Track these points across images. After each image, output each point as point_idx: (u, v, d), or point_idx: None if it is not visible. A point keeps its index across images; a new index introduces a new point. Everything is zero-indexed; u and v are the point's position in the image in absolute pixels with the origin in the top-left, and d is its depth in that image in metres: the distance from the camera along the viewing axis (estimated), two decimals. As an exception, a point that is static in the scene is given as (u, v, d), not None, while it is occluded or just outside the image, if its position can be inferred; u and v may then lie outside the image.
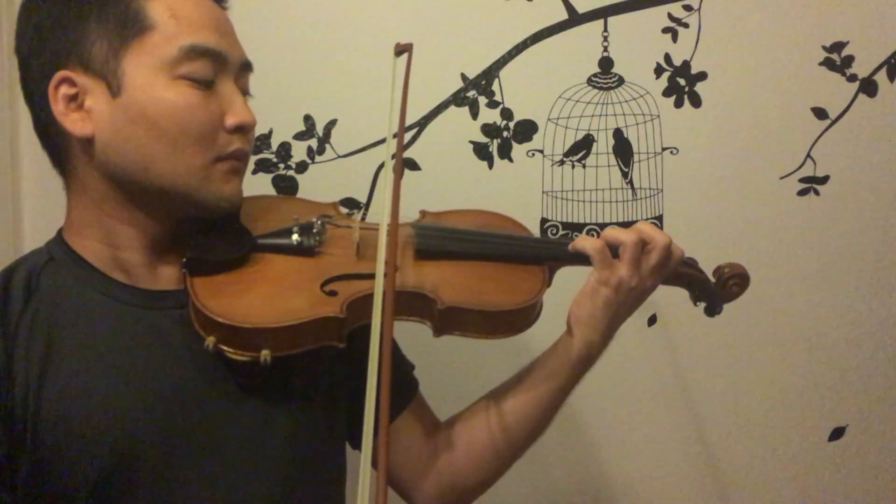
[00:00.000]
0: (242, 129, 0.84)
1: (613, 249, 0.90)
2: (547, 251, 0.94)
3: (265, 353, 0.78)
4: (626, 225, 1.28)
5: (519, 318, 0.88)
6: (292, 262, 0.87)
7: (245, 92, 0.88)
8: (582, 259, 0.91)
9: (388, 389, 0.62)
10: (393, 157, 0.86)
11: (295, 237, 0.88)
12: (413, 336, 0.94)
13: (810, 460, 1.37)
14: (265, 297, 0.83)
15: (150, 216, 0.84)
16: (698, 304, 1.02)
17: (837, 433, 1.37)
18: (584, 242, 0.90)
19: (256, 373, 0.80)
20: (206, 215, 0.85)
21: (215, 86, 0.83)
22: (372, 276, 0.82)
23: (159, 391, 0.81)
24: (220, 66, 0.83)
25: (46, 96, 0.81)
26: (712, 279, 0.99)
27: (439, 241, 0.92)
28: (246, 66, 0.88)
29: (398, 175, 0.83)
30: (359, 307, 0.82)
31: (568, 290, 0.93)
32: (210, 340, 0.79)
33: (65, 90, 0.80)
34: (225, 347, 0.79)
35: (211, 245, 0.84)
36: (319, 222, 0.90)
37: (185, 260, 0.83)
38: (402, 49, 0.94)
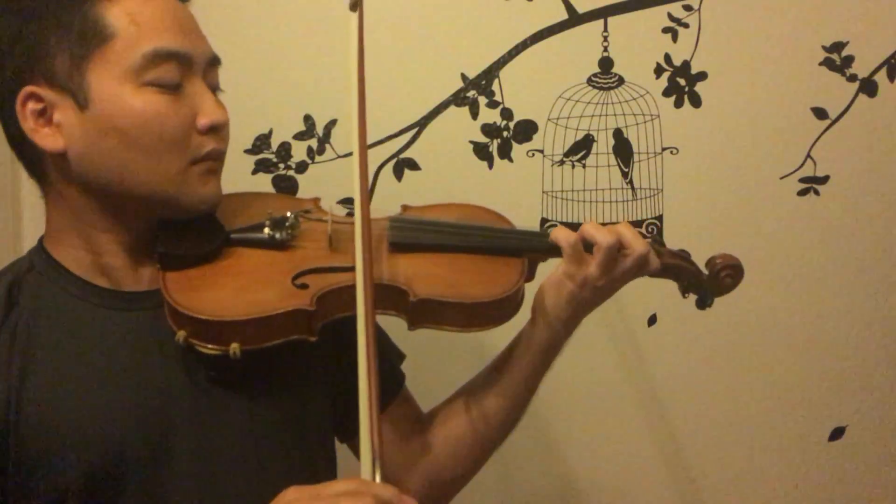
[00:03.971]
0: (215, 129, 0.83)
1: (588, 246, 0.88)
2: (524, 242, 0.93)
3: (234, 347, 0.78)
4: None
5: (495, 311, 0.87)
6: (265, 256, 0.87)
7: (215, 87, 0.87)
8: (558, 252, 0.89)
9: (377, 389, 0.61)
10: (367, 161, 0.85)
11: (267, 231, 0.87)
12: (396, 329, 0.94)
13: (810, 460, 1.37)
14: (235, 291, 0.82)
15: (128, 222, 0.84)
16: (687, 296, 1.00)
17: (837, 433, 1.36)
18: (559, 233, 0.89)
19: (233, 368, 0.80)
20: (186, 216, 0.84)
21: (183, 87, 0.82)
22: (344, 270, 0.83)
23: (141, 392, 0.81)
24: (186, 66, 0.82)
25: (15, 112, 0.79)
26: (705, 271, 0.97)
27: (413, 233, 0.92)
28: (213, 62, 0.86)
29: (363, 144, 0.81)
30: (330, 300, 0.82)
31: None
32: (181, 334, 0.79)
33: (32, 106, 0.79)
34: (195, 341, 0.79)
35: (183, 239, 0.84)
36: (292, 216, 0.89)
37: (157, 254, 0.83)
38: (356, 3, 0.90)
